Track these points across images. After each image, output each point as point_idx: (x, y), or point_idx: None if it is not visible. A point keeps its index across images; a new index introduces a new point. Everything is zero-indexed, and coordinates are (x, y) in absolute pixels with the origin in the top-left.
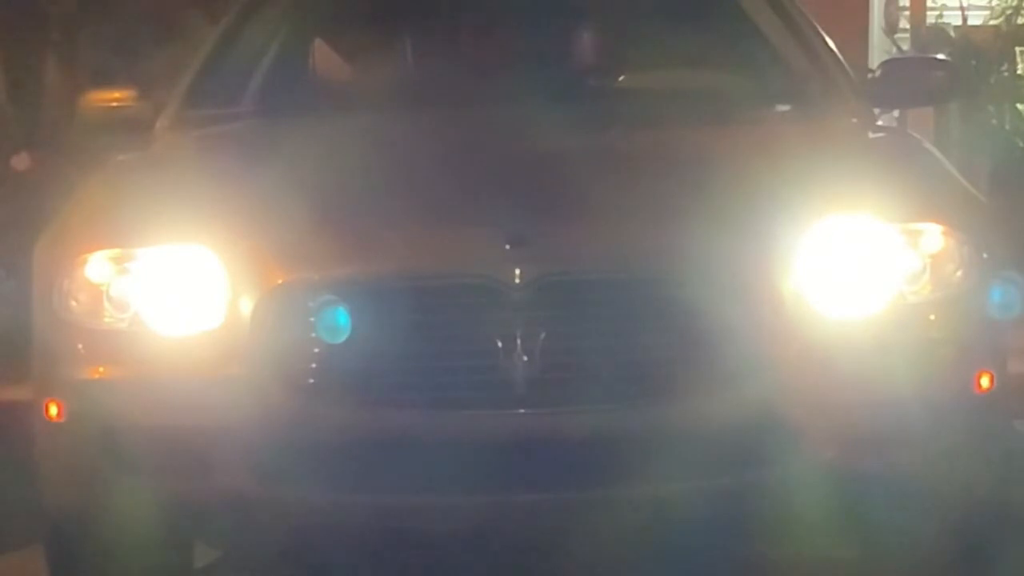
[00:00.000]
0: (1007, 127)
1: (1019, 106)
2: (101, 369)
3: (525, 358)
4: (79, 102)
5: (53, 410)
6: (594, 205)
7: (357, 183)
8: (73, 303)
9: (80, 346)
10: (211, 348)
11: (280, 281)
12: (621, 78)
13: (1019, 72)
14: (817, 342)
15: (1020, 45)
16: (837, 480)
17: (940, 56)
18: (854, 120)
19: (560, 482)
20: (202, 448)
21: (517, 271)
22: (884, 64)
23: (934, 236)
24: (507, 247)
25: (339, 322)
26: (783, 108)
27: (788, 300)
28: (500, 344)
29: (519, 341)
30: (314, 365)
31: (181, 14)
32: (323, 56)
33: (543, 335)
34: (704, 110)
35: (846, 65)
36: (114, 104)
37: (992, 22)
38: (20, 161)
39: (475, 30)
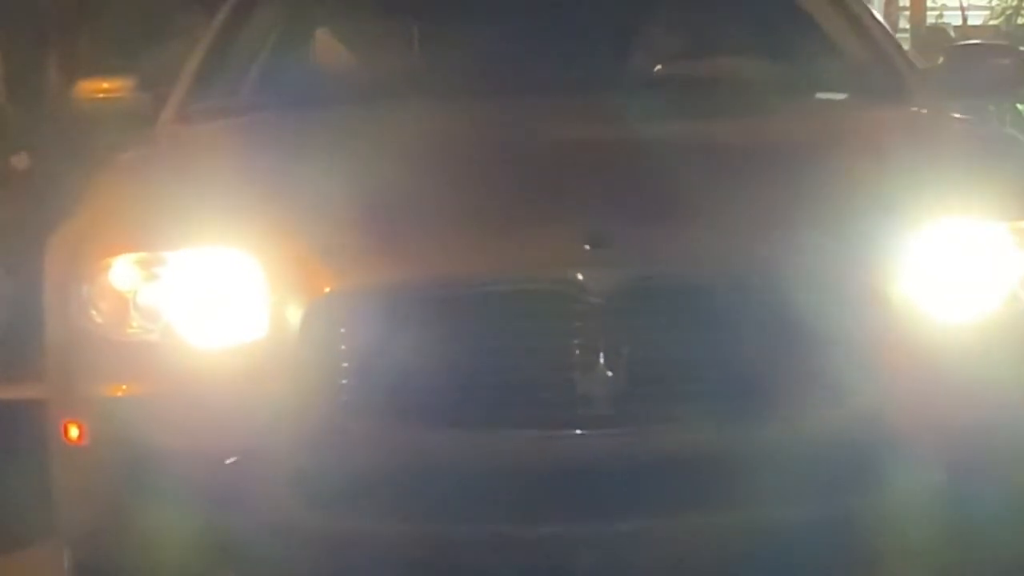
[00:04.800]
0: (1007, 128)
1: (1019, 106)
2: (128, 386)
3: (608, 372)
4: (73, 93)
5: (73, 432)
6: (683, 200)
7: (407, 179)
8: (95, 312)
9: (104, 360)
10: (253, 362)
11: (329, 288)
12: (674, 66)
13: None
14: (929, 350)
15: (1020, 45)
16: (952, 504)
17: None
18: (924, 111)
19: (648, 509)
20: (243, 474)
21: (598, 275)
22: (949, 51)
23: None
24: (586, 248)
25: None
26: (852, 98)
27: (897, 306)
28: (579, 357)
29: (601, 354)
30: (369, 382)
31: (182, 13)
32: (340, 43)
33: (628, 347)
34: (770, 99)
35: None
36: (111, 95)
37: (992, 22)
38: (20, 161)
39: (513, 13)
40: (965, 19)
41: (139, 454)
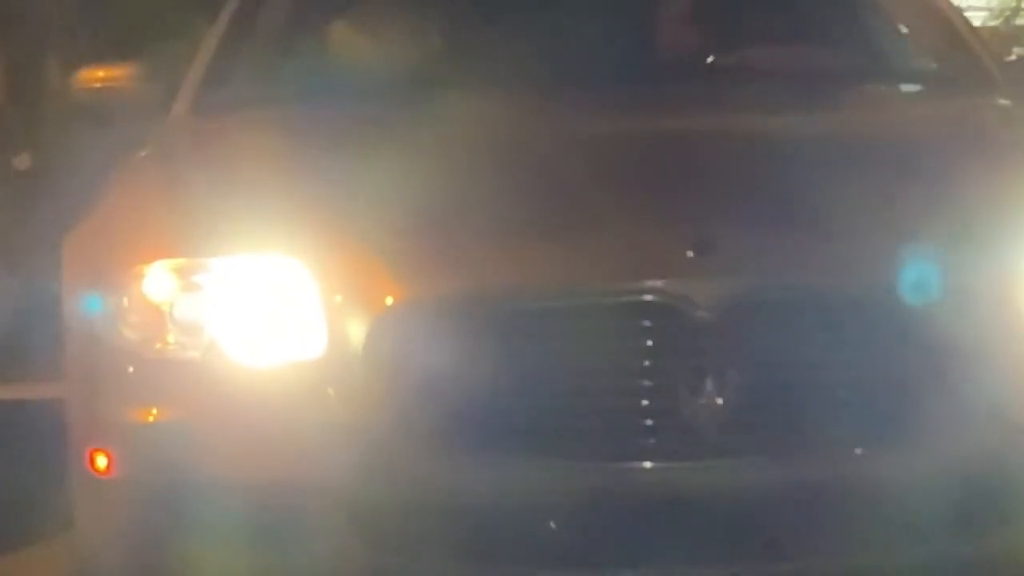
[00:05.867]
0: None
1: None
2: (164, 410)
3: (718, 398)
4: (71, 81)
5: (101, 462)
6: (797, 200)
7: (472, 178)
8: (126, 327)
9: (136, 381)
10: (309, 383)
11: (399, 299)
12: (743, 57)
13: None
14: None
15: (1019, 46)
16: None
17: None
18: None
19: (765, 552)
20: (299, 509)
21: (703, 286)
22: None
23: None
24: (689, 254)
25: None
26: (939, 89)
27: None
28: (682, 380)
29: (708, 376)
30: (443, 407)
31: (183, 13)
32: (364, 32)
33: (739, 368)
34: (851, 91)
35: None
36: (113, 85)
37: (991, 23)
38: (22, 162)
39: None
40: None
41: (177, 487)
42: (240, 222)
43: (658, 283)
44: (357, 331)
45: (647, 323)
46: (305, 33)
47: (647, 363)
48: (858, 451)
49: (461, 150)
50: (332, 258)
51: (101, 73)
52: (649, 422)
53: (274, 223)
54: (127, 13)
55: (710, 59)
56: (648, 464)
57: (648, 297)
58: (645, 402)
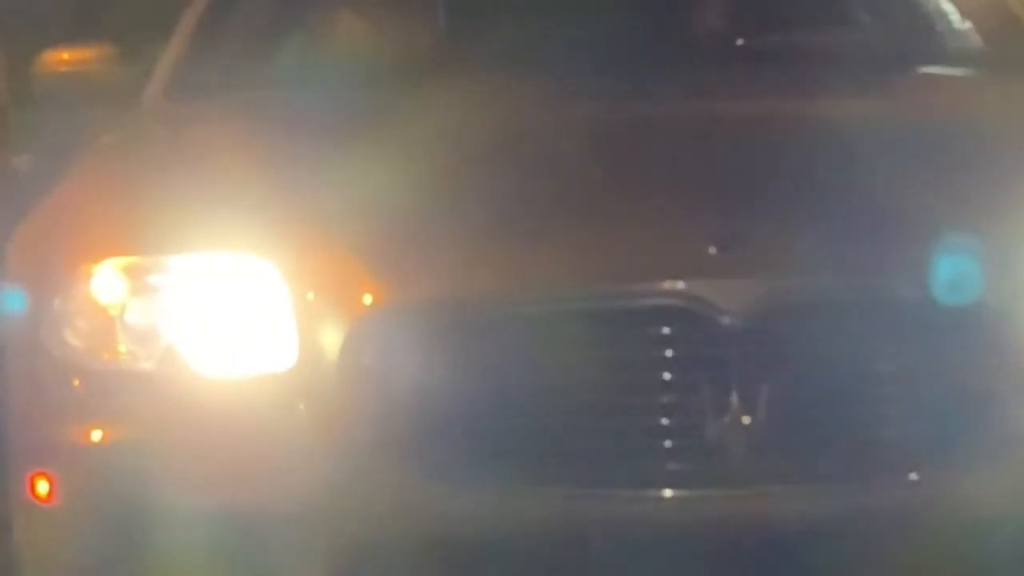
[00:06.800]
0: None
1: None
2: (114, 428)
3: (745, 417)
4: (34, 64)
5: (42, 487)
6: (837, 192)
7: (468, 170)
8: (71, 333)
9: (82, 395)
10: (279, 397)
11: (375, 303)
12: (775, 38)
13: None
14: None
15: None
16: None
17: None
18: None
19: None
20: (267, 539)
21: (728, 287)
22: None
23: None
24: (712, 252)
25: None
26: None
27: None
28: (704, 396)
29: (733, 391)
30: (432, 426)
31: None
32: (356, 12)
33: (769, 382)
34: (893, 75)
35: None
36: (83, 66)
37: None
38: (24, 163)
39: None
40: None
41: (128, 516)
42: (204, 216)
43: (675, 284)
44: (332, 339)
45: (663, 330)
46: (291, 15)
47: (663, 376)
48: (912, 477)
49: (456, 141)
50: (306, 258)
51: (66, 56)
52: (667, 444)
53: (242, 218)
54: (128, 13)
55: (740, 41)
56: (666, 492)
57: (664, 301)
58: (661, 421)
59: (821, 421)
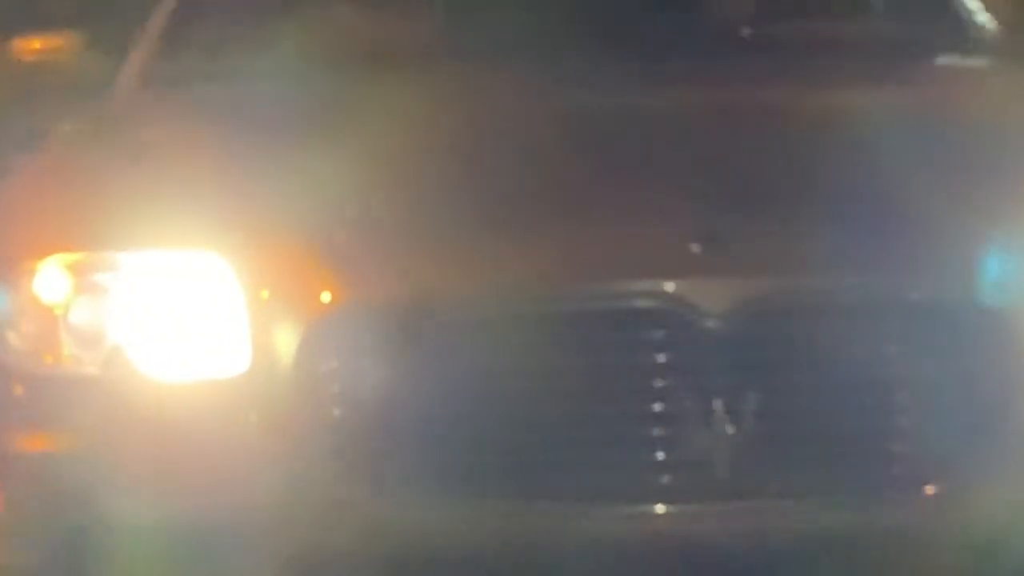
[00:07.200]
0: None
1: None
2: (57, 437)
3: (728, 426)
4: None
5: None
6: (834, 187)
7: (440, 164)
8: (13, 336)
9: (23, 402)
10: (231, 403)
11: (338, 302)
12: (772, 26)
13: None
14: None
15: None
16: None
17: None
18: None
19: None
20: (218, 554)
21: (712, 288)
22: None
23: None
24: (695, 250)
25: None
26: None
27: None
28: (686, 404)
29: (717, 398)
30: (394, 436)
31: None
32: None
33: (755, 389)
34: (896, 68)
35: None
36: (53, 56)
37: None
38: None
39: None
40: None
41: (72, 528)
42: (156, 211)
43: (655, 284)
44: (287, 341)
45: (641, 334)
46: (270, 2)
47: (642, 384)
48: (903, 495)
49: (430, 134)
50: (262, 254)
51: (38, 44)
52: (647, 457)
53: (195, 212)
54: (129, 13)
55: (741, 31)
56: (643, 508)
57: (643, 302)
58: (639, 432)
59: (814, 432)
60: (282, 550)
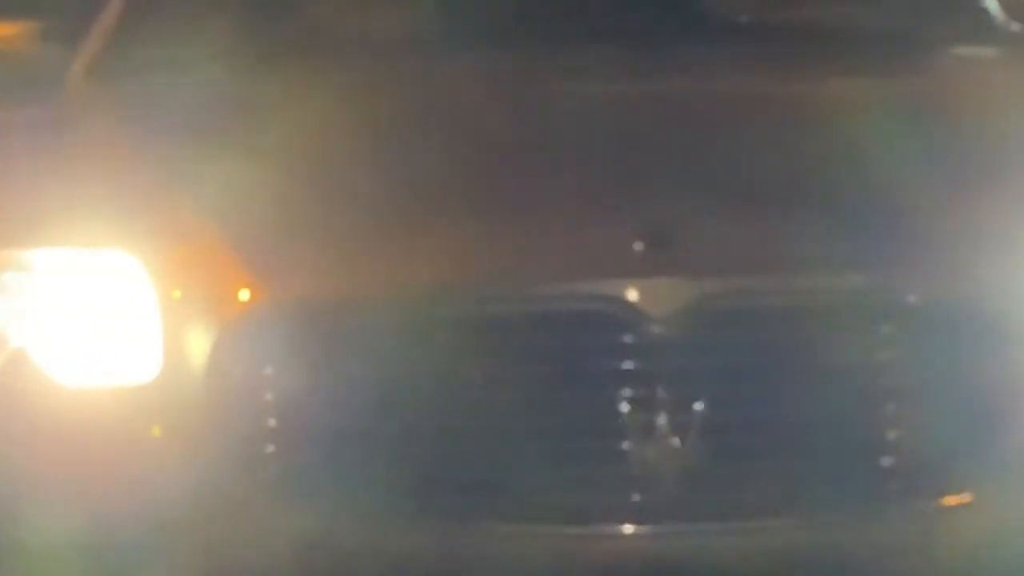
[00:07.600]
0: None
1: None
2: None
3: (674, 439)
4: None
5: None
6: (789, 183)
7: (379, 157)
8: None
9: None
10: (140, 411)
11: (252, 302)
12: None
13: None
14: None
15: None
16: None
17: None
18: None
19: None
20: (123, 568)
21: (657, 289)
22: None
23: None
24: (638, 248)
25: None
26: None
27: None
28: (628, 416)
29: (662, 410)
30: (312, 448)
31: None
32: None
33: (703, 399)
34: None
35: None
36: (6, 44)
37: None
38: None
39: None
40: None
41: None
42: (66, 207)
43: (595, 286)
44: (200, 343)
45: (582, 340)
46: None
47: (583, 394)
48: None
49: (360, 129)
50: (174, 252)
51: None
52: (583, 473)
53: (109, 209)
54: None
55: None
56: (584, 530)
57: (580, 305)
58: (580, 446)
59: (767, 446)
60: (192, 568)
